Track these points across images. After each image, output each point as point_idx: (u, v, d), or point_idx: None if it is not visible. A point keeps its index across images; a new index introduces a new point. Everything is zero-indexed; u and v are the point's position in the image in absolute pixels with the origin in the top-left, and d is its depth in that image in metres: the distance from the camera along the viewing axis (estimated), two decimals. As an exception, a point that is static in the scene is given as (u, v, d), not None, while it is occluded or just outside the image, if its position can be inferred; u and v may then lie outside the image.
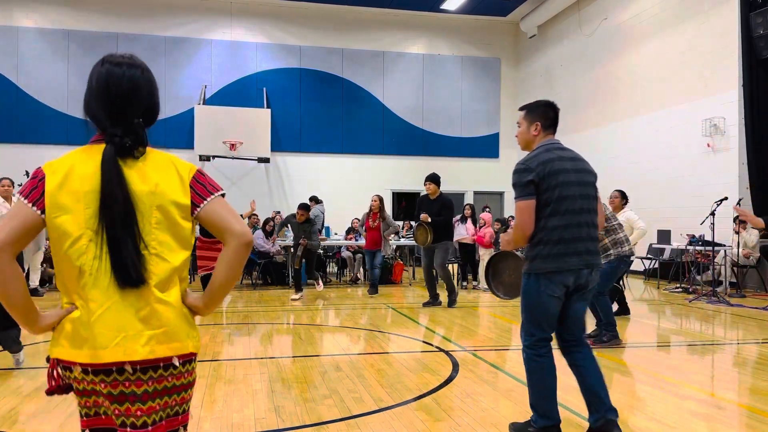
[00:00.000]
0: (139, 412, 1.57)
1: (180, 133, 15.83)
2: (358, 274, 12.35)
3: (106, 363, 1.53)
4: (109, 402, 1.58)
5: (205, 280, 9.50)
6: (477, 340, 6.31)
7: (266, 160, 15.89)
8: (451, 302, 8.63)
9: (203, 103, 15.95)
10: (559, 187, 3.18)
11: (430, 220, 8.44)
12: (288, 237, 12.12)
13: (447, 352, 5.63)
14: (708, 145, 11.58)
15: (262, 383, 4.53)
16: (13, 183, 8.74)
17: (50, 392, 1.65)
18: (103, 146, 1.60)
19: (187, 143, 15.50)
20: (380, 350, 5.78)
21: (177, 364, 1.60)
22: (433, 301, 8.71)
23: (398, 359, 5.37)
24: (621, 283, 7.98)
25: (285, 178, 17.09)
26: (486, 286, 9.69)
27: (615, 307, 7.88)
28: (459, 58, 18.33)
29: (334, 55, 17.45)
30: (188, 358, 1.64)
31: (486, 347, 5.97)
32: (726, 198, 9.55)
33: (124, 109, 1.63)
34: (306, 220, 9.49)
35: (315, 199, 13.30)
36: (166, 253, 1.59)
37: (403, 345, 6.06)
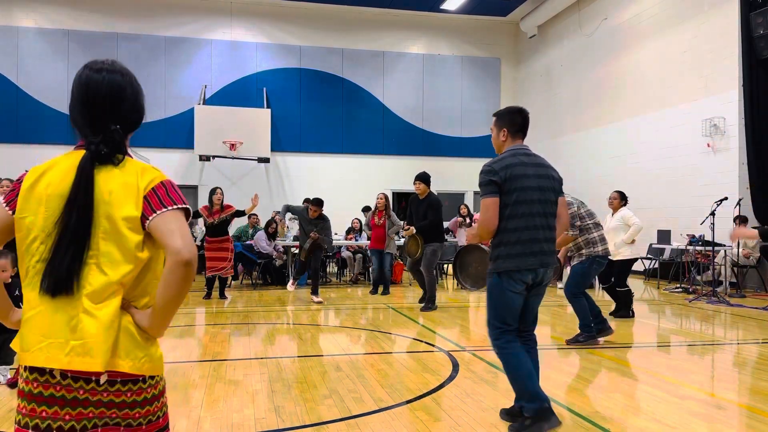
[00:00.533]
0: (67, 416, 1.54)
1: (180, 133, 15.83)
2: (358, 275, 12.34)
3: (28, 365, 1.54)
4: (36, 404, 1.54)
5: (211, 282, 9.47)
6: (477, 340, 6.31)
7: (266, 160, 15.89)
8: (426, 308, 8.26)
9: (203, 103, 15.95)
10: (516, 192, 3.44)
11: (414, 231, 8.10)
12: (288, 236, 12.12)
13: (447, 352, 5.63)
14: (708, 145, 11.58)
15: (262, 383, 4.54)
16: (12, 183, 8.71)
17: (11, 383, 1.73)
18: (82, 152, 1.62)
19: (187, 143, 15.50)
20: (380, 350, 5.78)
21: (102, 381, 1.54)
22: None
23: (398, 359, 5.37)
24: (626, 284, 7.94)
25: (285, 178, 17.08)
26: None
27: (609, 306, 7.89)
28: (459, 58, 18.34)
29: (334, 55, 17.45)
30: (130, 378, 1.57)
31: (486, 347, 5.96)
32: (726, 198, 9.55)
33: (103, 116, 1.64)
34: (319, 217, 9.08)
35: (308, 201, 13.02)
36: (105, 265, 1.55)
37: (403, 345, 6.06)
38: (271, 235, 11.57)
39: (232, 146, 15.14)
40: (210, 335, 6.50)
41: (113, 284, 1.55)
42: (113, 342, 1.53)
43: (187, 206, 1.64)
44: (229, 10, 16.84)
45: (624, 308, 7.80)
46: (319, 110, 17.27)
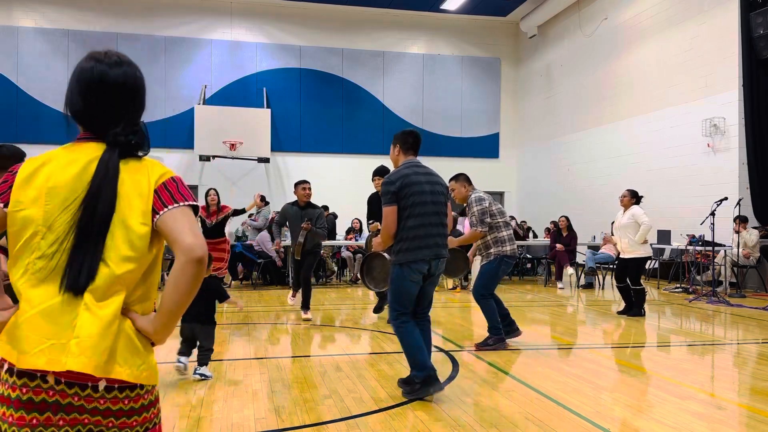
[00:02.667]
0: (61, 422, 1.44)
1: (180, 133, 15.82)
2: (358, 274, 12.35)
3: (25, 369, 1.41)
4: (26, 411, 1.42)
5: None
6: (477, 340, 6.29)
7: (266, 160, 15.89)
8: (378, 308, 7.56)
9: (203, 103, 15.95)
10: (413, 195, 4.11)
11: (380, 227, 7.42)
12: (288, 237, 12.10)
13: (447, 352, 5.63)
14: (708, 145, 11.58)
15: (262, 383, 4.54)
16: None
17: None
18: (89, 144, 1.55)
19: (187, 143, 15.50)
20: (380, 350, 5.78)
21: (100, 388, 1.44)
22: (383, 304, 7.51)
23: (398, 359, 5.37)
24: (639, 282, 7.91)
25: (285, 178, 17.08)
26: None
27: (619, 305, 7.90)
28: (459, 58, 18.34)
29: (334, 55, 17.45)
30: (127, 385, 1.48)
31: (486, 347, 5.95)
32: (726, 198, 9.55)
33: (127, 109, 1.59)
34: (309, 204, 7.83)
35: (263, 199, 12.26)
36: (111, 259, 1.47)
37: (403, 345, 6.05)
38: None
39: (232, 146, 15.14)
40: (210, 335, 6.49)
41: (117, 280, 1.47)
42: (110, 345, 1.43)
43: (197, 203, 1.59)
44: (229, 10, 16.84)
45: (636, 307, 7.80)
46: (319, 110, 17.27)
